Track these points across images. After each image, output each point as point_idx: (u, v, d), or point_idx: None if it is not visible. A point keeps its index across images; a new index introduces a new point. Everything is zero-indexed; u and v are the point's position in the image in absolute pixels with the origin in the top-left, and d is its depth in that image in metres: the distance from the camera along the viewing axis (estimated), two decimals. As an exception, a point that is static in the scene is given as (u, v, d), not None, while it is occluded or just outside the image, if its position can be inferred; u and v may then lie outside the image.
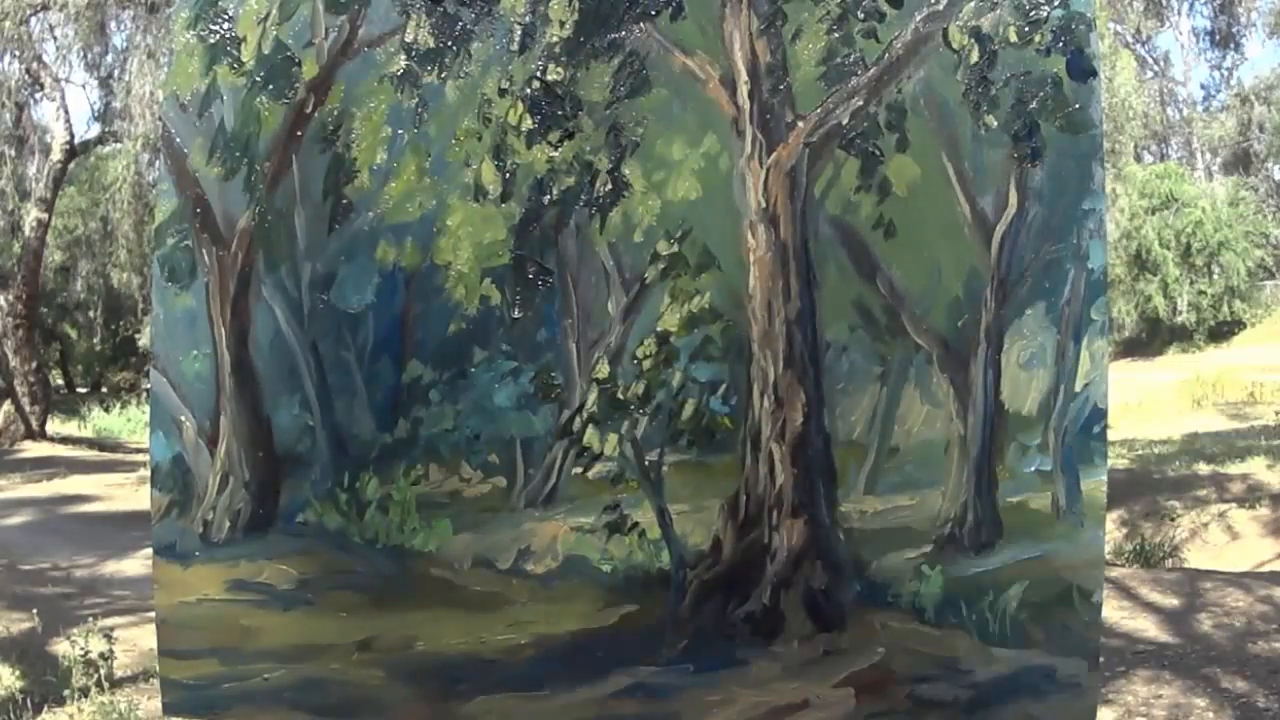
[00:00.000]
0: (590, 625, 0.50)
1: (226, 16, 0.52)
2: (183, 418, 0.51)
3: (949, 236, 0.55)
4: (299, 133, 0.52)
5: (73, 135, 13.35)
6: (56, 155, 13.16)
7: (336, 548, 0.50)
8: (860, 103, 0.53)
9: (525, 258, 0.51)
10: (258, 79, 0.52)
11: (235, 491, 0.51)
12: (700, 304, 0.52)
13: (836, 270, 0.53)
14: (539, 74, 0.52)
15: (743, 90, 0.53)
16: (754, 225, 0.53)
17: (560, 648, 0.50)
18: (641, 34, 0.52)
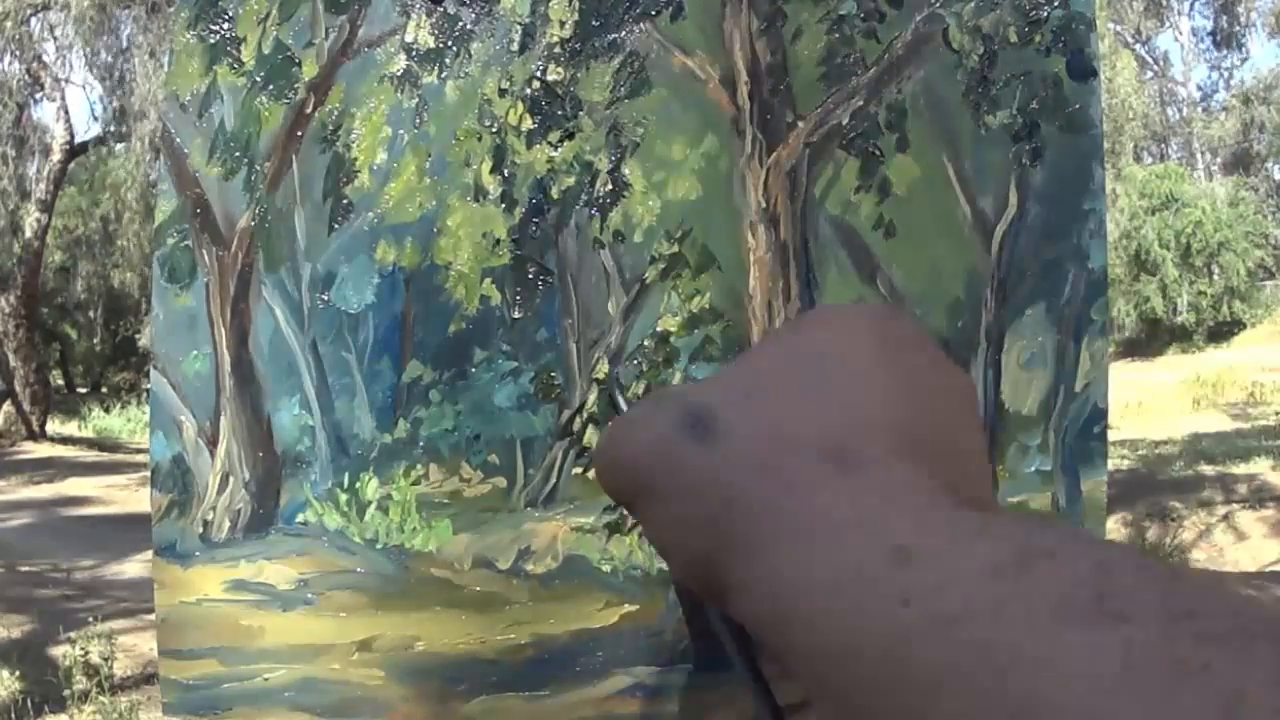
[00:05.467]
0: (590, 625, 0.50)
1: (226, 16, 0.52)
2: (183, 418, 0.51)
3: (949, 236, 0.55)
4: (299, 133, 0.52)
5: (73, 135, 13.36)
6: (56, 155, 13.17)
7: (336, 548, 0.50)
8: (860, 103, 0.53)
9: (525, 258, 0.51)
10: (258, 79, 0.52)
11: (235, 491, 0.51)
12: (700, 304, 0.52)
13: (836, 270, 0.53)
14: (539, 74, 0.52)
15: (743, 90, 0.53)
16: (754, 225, 0.53)
17: (560, 648, 0.50)
18: (641, 34, 0.52)
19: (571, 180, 0.51)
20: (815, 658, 0.27)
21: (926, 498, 0.28)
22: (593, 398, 0.50)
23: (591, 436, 0.50)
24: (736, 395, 0.33)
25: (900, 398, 0.32)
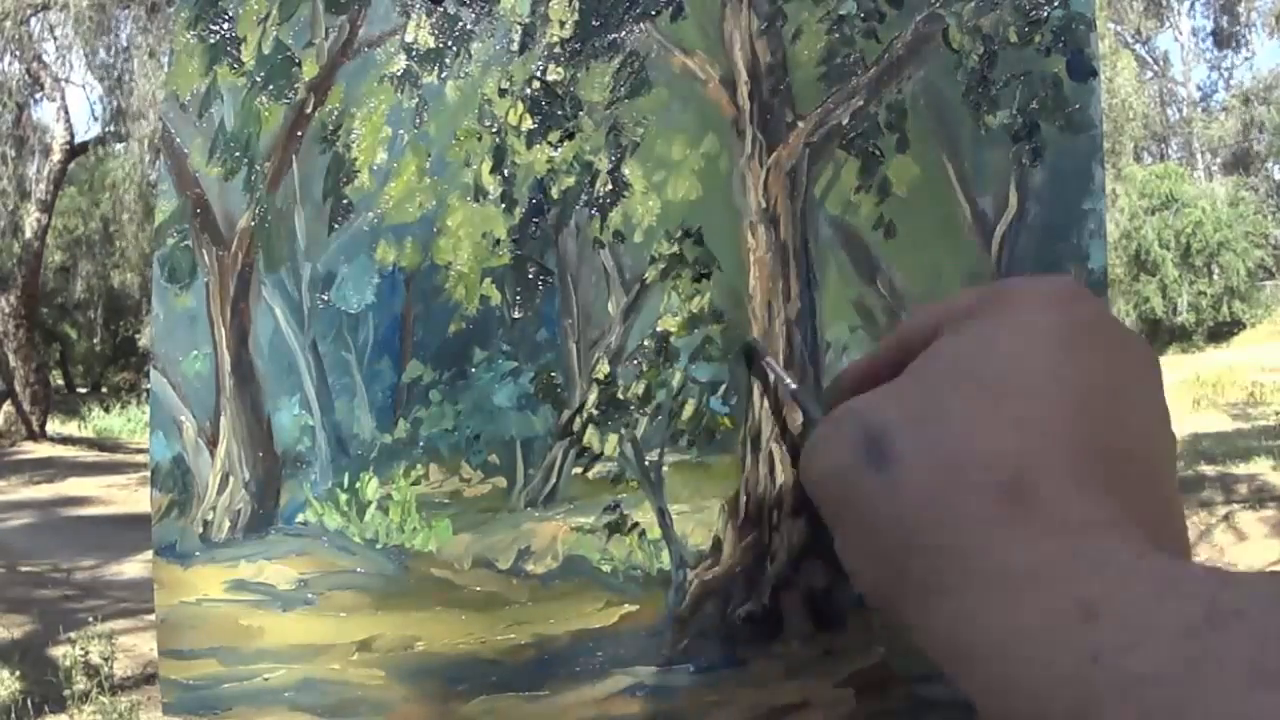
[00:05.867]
0: (590, 625, 0.50)
1: (226, 16, 0.52)
2: (183, 418, 0.51)
3: (949, 236, 0.55)
4: (299, 133, 0.52)
5: (73, 135, 13.37)
6: (56, 155, 13.18)
7: (336, 548, 0.50)
8: (860, 103, 0.53)
9: (525, 258, 0.51)
10: (258, 79, 0.52)
11: (235, 491, 0.51)
12: (700, 304, 0.52)
13: (836, 270, 0.53)
14: (539, 74, 0.52)
15: (743, 90, 0.53)
16: (754, 225, 0.53)
17: (560, 648, 0.50)
18: (641, 34, 0.52)
19: (571, 180, 0.51)
20: (1001, 708, 0.27)
21: (1109, 542, 0.27)
22: (593, 398, 0.50)
23: (592, 436, 0.50)
24: (911, 415, 0.32)
25: (1084, 403, 0.30)
